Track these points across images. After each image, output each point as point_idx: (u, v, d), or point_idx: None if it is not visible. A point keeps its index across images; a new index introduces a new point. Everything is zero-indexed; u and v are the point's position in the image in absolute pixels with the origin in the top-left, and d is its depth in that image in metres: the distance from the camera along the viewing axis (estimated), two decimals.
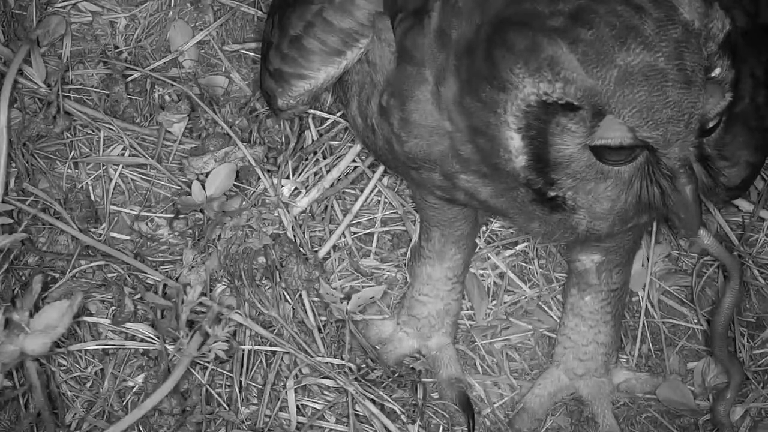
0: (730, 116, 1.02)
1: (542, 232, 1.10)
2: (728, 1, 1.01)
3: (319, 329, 1.32)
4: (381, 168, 1.37)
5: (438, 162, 1.05)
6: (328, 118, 1.38)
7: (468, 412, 1.30)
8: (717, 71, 0.94)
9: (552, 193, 1.00)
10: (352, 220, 1.35)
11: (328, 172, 1.36)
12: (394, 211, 1.37)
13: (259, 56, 1.35)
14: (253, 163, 1.31)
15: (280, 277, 1.31)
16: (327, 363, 1.30)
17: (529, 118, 0.94)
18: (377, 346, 1.33)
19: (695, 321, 1.35)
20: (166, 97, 1.37)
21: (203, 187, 1.31)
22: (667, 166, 0.95)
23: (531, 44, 0.92)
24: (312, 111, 1.37)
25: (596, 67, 0.90)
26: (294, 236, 1.32)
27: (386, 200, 1.37)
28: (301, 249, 1.32)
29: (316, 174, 1.36)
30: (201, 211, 1.33)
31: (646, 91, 0.90)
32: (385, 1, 1.08)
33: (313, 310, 1.32)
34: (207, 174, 1.32)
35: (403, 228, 1.37)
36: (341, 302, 1.31)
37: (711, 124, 0.96)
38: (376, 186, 1.37)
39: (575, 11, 0.92)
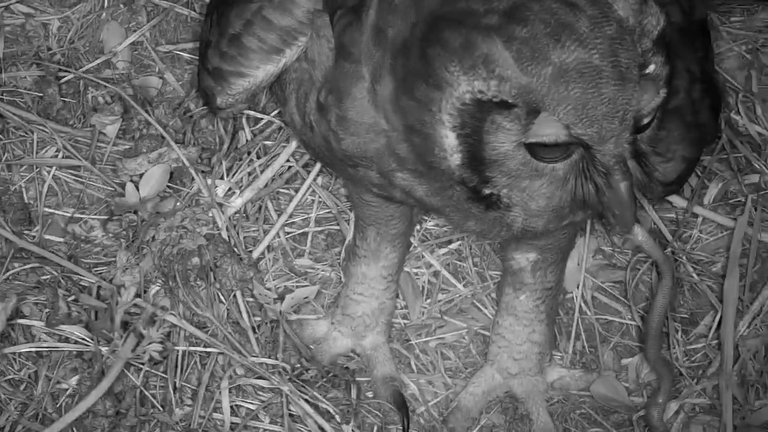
0: (665, 112, 1.09)
1: (478, 230, 1.18)
2: None
3: (254, 329, 1.41)
4: (316, 168, 1.46)
5: (375, 160, 1.12)
6: (262, 119, 1.48)
7: (402, 411, 1.39)
8: (651, 68, 1.00)
9: (487, 191, 1.06)
10: (286, 220, 1.44)
11: (262, 172, 1.45)
12: (328, 210, 1.46)
13: (194, 56, 1.46)
14: (187, 164, 1.40)
15: (214, 278, 1.40)
16: (261, 363, 1.39)
17: (464, 117, 1.00)
18: (312, 346, 1.42)
19: (629, 317, 1.45)
20: (100, 99, 1.46)
21: (137, 188, 1.40)
22: (601, 163, 1.00)
23: (465, 42, 0.98)
24: (246, 111, 1.47)
25: (531, 65, 0.96)
26: (228, 236, 1.41)
27: (320, 200, 1.47)
28: (235, 249, 1.41)
29: (250, 174, 1.45)
30: (135, 212, 1.42)
31: (581, 89, 0.95)
32: None
33: (247, 311, 1.41)
34: (141, 175, 1.40)
35: (338, 227, 1.46)
36: (275, 303, 1.40)
37: (645, 121, 1.02)
38: (310, 186, 1.46)
39: (510, 9, 0.97)
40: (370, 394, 1.42)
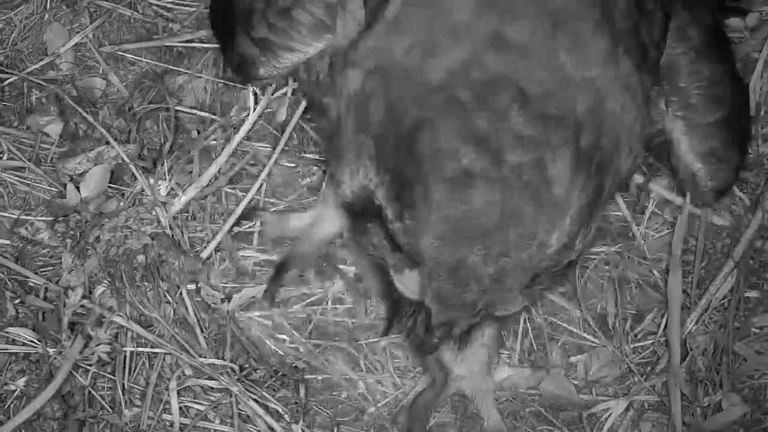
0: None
1: None
2: None
3: (201, 328, 1.46)
4: (267, 168, 1.51)
5: None
6: (205, 118, 1.53)
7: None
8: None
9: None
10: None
11: (205, 170, 1.50)
12: (275, 209, 1.52)
13: (137, 57, 1.52)
14: (127, 161, 1.46)
15: (160, 276, 1.45)
16: (210, 364, 1.44)
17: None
18: (294, 238, 1.47)
19: (577, 315, 1.51)
20: (43, 100, 1.51)
21: (78, 189, 1.45)
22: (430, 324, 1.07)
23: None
24: (188, 110, 1.52)
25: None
26: (173, 235, 1.47)
27: (267, 198, 1.52)
28: (180, 245, 1.46)
29: (192, 173, 1.50)
30: (79, 213, 1.47)
31: (450, 285, 1.01)
32: None
33: (194, 309, 1.46)
34: (81, 175, 1.46)
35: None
36: (222, 303, 1.46)
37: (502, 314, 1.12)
38: (262, 184, 1.51)
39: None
40: (320, 394, 1.48)
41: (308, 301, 1.49)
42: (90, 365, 1.45)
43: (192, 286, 1.47)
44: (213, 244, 1.49)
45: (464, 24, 1.03)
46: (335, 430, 1.46)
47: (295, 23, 1.17)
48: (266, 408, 1.44)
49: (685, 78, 1.22)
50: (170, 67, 1.56)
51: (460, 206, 0.99)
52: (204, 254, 1.48)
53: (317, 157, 1.53)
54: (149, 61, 1.57)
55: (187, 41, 1.56)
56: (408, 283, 1.08)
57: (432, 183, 0.99)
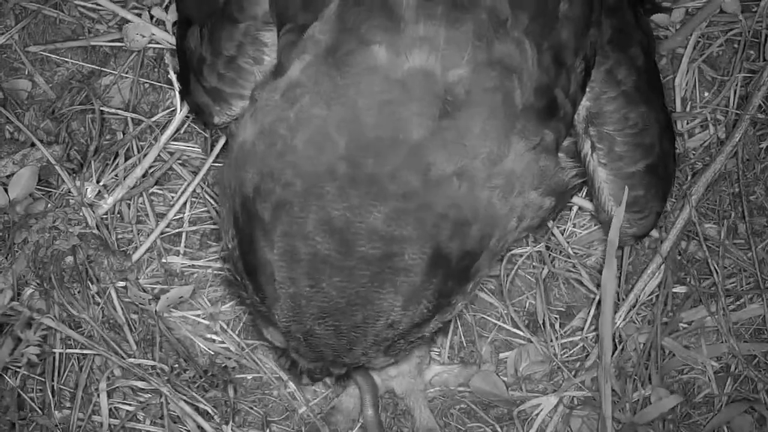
0: (643, 173, 1.33)
1: None
2: None
3: (131, 328, 1.61)
4: (200, 174, 1.66)
5: None
6: (132, 119, 1.68)
7: None
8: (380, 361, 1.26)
9: None
10: (159, 220, 1.65)
11: (131, 171, 1.65)
12: (204, 209, 1.67)
13: (64, 58, 1.65)
14: (53, 162, 1.60)
15: (89, 277, 1.60)
16: (139, 364, 1.60)
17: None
18: None
19: (505, 312, 1.67)
20: None
21: (6, 190, 1.60)
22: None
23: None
24: (115, 110, 1.68)
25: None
26: (101, 236, 1.62)
27: (194, 199, 1.67)
28: (109, 245, 1.62)
29: (119, 174, 1.65)
30: (7, 214, 1.62)
31: (304, 347, 1.20)
32: None
33: (123, 310, 1.61)
34: (9, 177, 1.61)
35: (214, 226, 1.67)
36: (150, 303, 1.62)
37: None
38: (194, 189, 1.66)
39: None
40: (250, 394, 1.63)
41: (238, 300, 1.62)
42: (19, 367, 1.58)
43: (121, 286, 1.61)
44: (144, 246, 1.64)
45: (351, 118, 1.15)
46: (266, 429, 1.60)
47: (243, 72, 1.29)
48: (196, 408, 1.57)
49: (612, 124, 1.33)
50: (96, 67, 1.69)
51: (307, 287, 1.15)
52: (135, 256, 1.64)
53: None
54: (75, 62, 1.69)
55: (113, 41, 1.70)
56: (274, 335, 1.26)
57: (280, 262, 1.16)
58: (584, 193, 1.64)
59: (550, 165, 1.24)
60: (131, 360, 1.58)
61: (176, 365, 1.59)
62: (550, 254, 1.64)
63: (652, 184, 1.38)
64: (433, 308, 1.18)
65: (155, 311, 1.58)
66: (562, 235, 1.65)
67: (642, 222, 1.39)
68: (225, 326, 1.63)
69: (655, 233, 1.63)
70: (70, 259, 1.58)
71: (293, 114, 1.17)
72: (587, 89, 1.30)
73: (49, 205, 1.59)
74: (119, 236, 1.62)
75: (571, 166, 1.31)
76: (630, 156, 1.35)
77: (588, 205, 1.63)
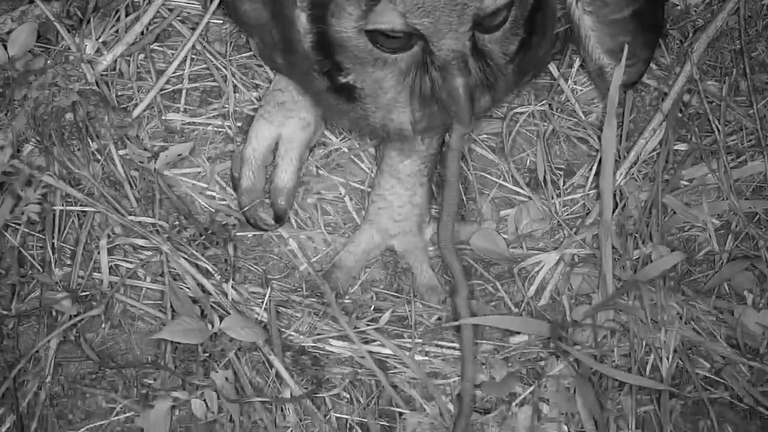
0: (631, 17, 1.34)
1: (350, 127, 1.43)
2: None
3: (131, 185, 1.66)
4: (199, 29, 1.70)
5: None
6: None
7: None
8: None
9: (342, 80, 1.30)
10: (159, 77, 1.69)
11: (131, 27, 1.69)
12: (204, 66, 1.71)
13: None
14: (52, 18, 1.64)
15: (89, 135, 1.64)
16: (139, 222, 1.64)
17: None
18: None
19: (506, 169, 1.71)
20: None
21: (5, 47, 1.64)
22: (439, 58, 1.22)
23: None
24: None
25: None
26: (101, 92, 1.66)
27: (194, 56, 1.71)
28: (109, 102, 1.66)
29: (119, 30, 1.69)
30: (7, 71, 1.66)
31: None
32: None
33: (123, 167, 1.65)
34: (8, 33, 1.65)
35: (214, 83, 1.71)
36: (149, 161, 1.66)
37: (492, 22, 1.24)
38: (189, 43, 1.70)
39: None
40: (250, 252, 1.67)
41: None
42: (19, 225, 1.63)
43: (121, 145, 1.66)
44: (144, 103, 1.68)
45: None
46: (267, 286, 1.64)
47: None
48: (197, 267, 1.63)
49: None
50: None
51: None
52: (135, 113, 1.68)
53: None
54: None
55: None
56: (382, 17, 1.22)
57: None
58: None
59: None
60: (131, 218, 1.62)
61: (176, 223, 1.65)
62: (552, 112, 1.67)
63: (639, 31, 1.42)
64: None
65: (154, 169, 1.61)
66: (563, 94, 1.68)
67: (630, 69, 1.44)
68: (224, 184, 1.66)
69: (653, 82, 1.66)
70: (69, 115, 1.62)
71: None
72: None
73: (48, 61, 1.64)
74: (119, 93, 1.67)
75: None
76: (615, 3, 1.39)
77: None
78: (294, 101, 1.58)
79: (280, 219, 1.60)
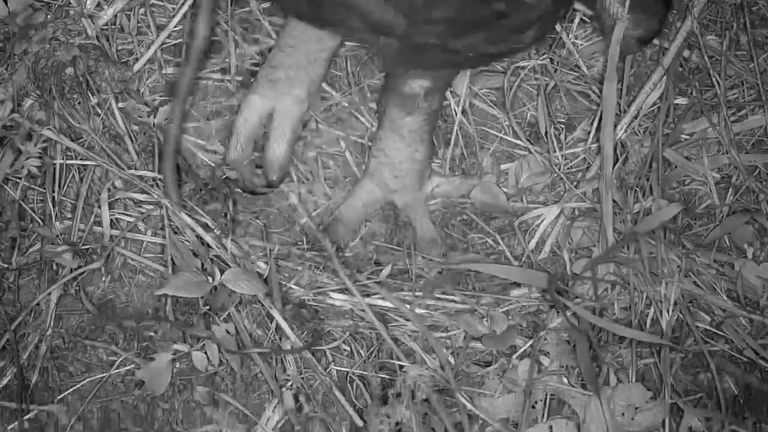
0: None
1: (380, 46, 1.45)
2: None
3: (132, 139, 1.68)
4: None
5: None
6: None
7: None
8: None
9: None
10: (160, 31, 1.72)
11: None
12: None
13: None
14: None
15: (89, 89, 1.67)
16: (140, 176, 1.66)
17: None
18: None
19: (506, 123, 1.73)
20: None
21: (5, 1, 1.66)
22: None
23: None
24: None
25: None
26: (102, 46, 1.69)
27: (194, 11, 1.73)
28: (109, 56, 1.68)
29: None
30: (8, 25, 1.68)
31: None
32: None
33: (124, 121, 1.68)
34: None
35: (215, 38, 1.73)
36: (148, 116, 1.68)
37: None
38: None
39: None
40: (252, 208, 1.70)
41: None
42: (20, 179, 1.66)
43: (122, 99, 1.68)
44: (145, 57, 1.70)
45: None
46: (267, 240, 1.67)
47: None
48: (197, 221, 1.65)
49: None
50: None
51: None
52: (135, 67, 1.70)
53: None
54: None
55: None
56: None
57: None
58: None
59: None
60: (132, 171, 1.65)
61: (177, 177, 1.65)
62: (554, 66, 1.69)
63: None
64: None
65: (153, 123, 1.63)
66: (565, 48, 1.70)
67: (646, 24, 1.46)
68: (224, 138, 1.69)
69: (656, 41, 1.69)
70: (70, 70, 1.64)
71: None
72: None
73: (48, 16, 1.66)
74: (119, 47, 1.69)
75: None
76: None
77: (589, 12, 1.68)
78: (288, 78, 1.62)
79: (272, 187, 1.62)
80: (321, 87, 1.66)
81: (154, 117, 1.66)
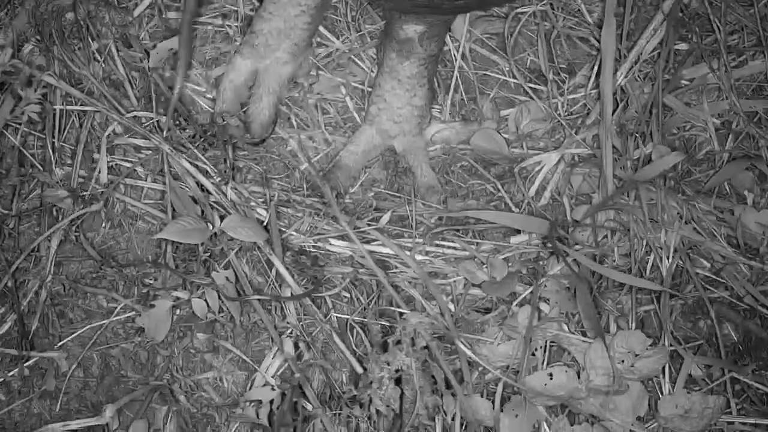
0: None
1: None
2: None
3: (132, 85, 1.69)
4: None
5: None
6: None
7: None
8: None
9: None
10: None
11: None
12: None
13: None
14: None
15: (89, 34, 1.68)
16: (139, 118, 1.67)
17: None
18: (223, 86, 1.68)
19: (507, 68, 1.74)
20: None
21: None
22: None
23: None
24: None
25: None
26: None
27: None
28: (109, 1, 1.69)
29: None
30: None
31: None
32: None
33: (124, 66, 1.69)
34: None
35: None
36: (142, 61, 1.69)
37: None
38: None
39: None
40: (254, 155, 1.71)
41: None
42: (20, 125, 1.67)
43: (122, 44, 1.69)
44: (146, 2, 1.71)
45: None
46: (267, 186, 1.68)
47: None
48: (197, 167, 1.66)
49: None
50: None
51: None
52: (136, 12, 1.71)
53: None
54: None
55: None
56: None
57: None
58: None
59: None
60: (132, 112, 1.67)
61: (176, 123, 1.67)
62: (554, 12, 1.70)
63: None
64: None
65: (147, 66, 1.64)
66: None
67: None
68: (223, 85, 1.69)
69: None
70: (70, 14, 1.66)
71: None
72: None
73: None
74: None
75: None
76: None
77: None
78: (268, 44, 1.64)
79: (258, 143, 1.66)
80: (309, 46, 1.68)
81: (148, 60, 1.66)
